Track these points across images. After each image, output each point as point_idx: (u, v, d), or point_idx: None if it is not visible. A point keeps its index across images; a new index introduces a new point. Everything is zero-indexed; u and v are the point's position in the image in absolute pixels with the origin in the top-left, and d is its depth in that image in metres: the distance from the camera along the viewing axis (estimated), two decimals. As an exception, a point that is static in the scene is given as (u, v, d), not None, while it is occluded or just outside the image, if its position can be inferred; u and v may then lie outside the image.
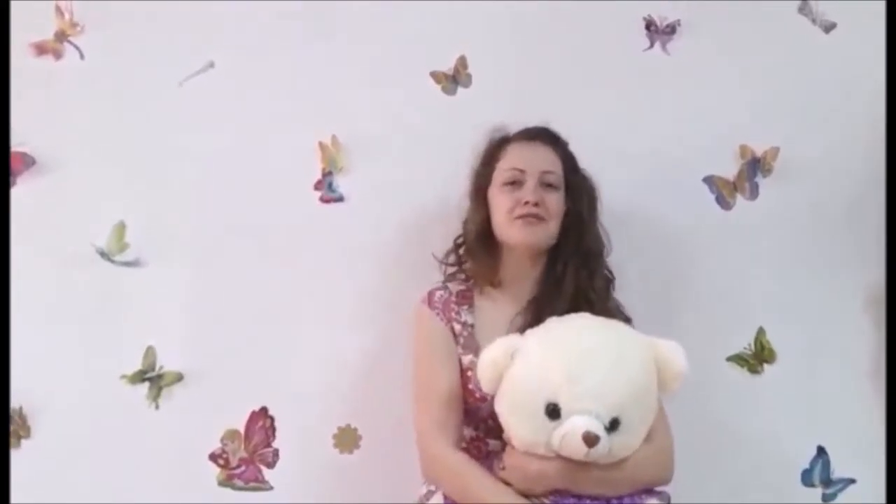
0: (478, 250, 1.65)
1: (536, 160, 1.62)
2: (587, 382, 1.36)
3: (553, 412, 1.37)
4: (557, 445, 1.36)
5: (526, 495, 1.40)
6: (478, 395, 1.50)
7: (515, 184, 1.61)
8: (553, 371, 1.38)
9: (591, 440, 1.33)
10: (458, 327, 1.61)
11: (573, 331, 1.45)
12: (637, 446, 1.41)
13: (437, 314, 1.62)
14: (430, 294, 1.65)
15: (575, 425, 1.35)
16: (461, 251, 1.72)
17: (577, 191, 1.64)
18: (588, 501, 1.40)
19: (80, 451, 1.74)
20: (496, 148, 1.68)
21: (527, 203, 1.57)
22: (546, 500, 1.40)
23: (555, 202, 1.61)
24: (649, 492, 1.46)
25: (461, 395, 1.55)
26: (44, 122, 1.79)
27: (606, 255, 1.68)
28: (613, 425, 1.37)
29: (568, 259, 1.61)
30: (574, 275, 1.59)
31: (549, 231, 1.60)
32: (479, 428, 1.57)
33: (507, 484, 1.42)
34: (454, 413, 1.54)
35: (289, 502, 1.77)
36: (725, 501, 1.79)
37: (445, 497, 1.48)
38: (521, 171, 1.61)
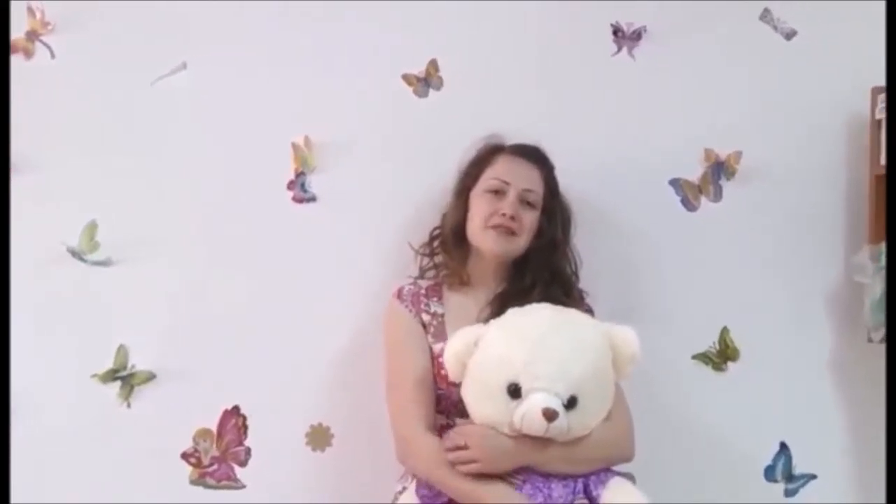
0: (451, 245, 1.72)
1: (521, 176, 1.68)
2: (546, 362, 1.42)
3: (514, 392, 1.43)
4: (519, 423, 1.42)
5: (493, 476, 1.45)
6: (448, 380, 1.54)
7: (497, 193, 1.67)
8: (513, 353, 1.44)
9: (550, 415, 1.40)
10: (427, 318, 1.67)
11: (532, 317, 1.51)
12: (593, 426, 1.48)
13: (406, 307, 1.69)
14: (400, 289, 1.72)
15: (534, 402, 1.41)
16: (436, 243, 1.78)
17: (554, 214, 1.71)
18: (556, 480, 1.45)
19: (51, 450, 1.73)
20: (488, 154, 1.74)
21: (503, 215, 1.64)
22: (517, 479, 1.45)
23: (530, 219, 1.67)
24: (612, 471, 1.51)
25: (432, 380, 1.61)
26: (14, 121, 1.76)
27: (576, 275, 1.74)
28: (571, 403, 1.43)
29: (537, 275, 1.67)
30: (543, 291, 1.64)
31: (518, 245, 1.67)
32: (449, 415, 1.61)
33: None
34: (426, 396, 1.60)
35: (261, 501, 1.78)
36: (689, 496, 1.82)
37: (418, 482, 1.52)
38: (505, 183, 1.67)
